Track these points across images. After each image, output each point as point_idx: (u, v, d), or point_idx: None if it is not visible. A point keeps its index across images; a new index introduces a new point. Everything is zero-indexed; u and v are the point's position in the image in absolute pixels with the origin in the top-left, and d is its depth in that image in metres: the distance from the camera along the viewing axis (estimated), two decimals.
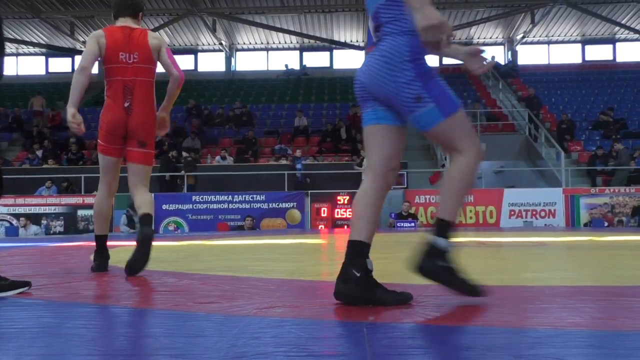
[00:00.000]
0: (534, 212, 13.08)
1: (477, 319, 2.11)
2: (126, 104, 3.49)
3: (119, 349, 1.66)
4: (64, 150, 16.63)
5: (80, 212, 13.47)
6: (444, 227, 2.32)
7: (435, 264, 2.29)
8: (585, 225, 12.94)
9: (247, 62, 25.50)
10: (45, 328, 2.02)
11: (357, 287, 2.24)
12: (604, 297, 2.62)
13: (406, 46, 2.25)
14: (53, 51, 24.67)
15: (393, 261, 4.30)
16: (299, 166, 14.37)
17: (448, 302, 2.46)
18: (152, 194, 13.44)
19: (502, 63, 23.65)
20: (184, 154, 14.86)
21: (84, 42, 23.73)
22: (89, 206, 13.45)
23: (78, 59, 25.07)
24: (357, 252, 2.32)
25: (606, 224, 12.96)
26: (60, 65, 25.74)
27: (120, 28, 3.60)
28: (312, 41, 23.88)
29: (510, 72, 22.47)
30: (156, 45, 3.60)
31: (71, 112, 3.41)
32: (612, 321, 2.07)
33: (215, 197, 13.38)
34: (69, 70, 25.64)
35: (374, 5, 2.36)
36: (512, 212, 13.06)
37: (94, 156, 16.34)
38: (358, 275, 2.25)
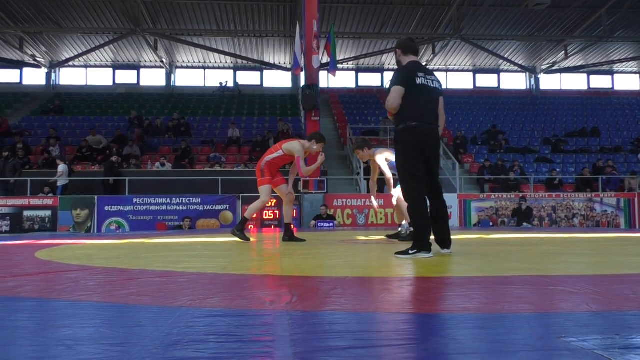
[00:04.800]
0: None
1: (386, 306, 2.15)
2: None
3: (62, 340, 1.58)
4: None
5: (26, 213, 12.74)
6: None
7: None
8: (475, 225, 13.45)
9: (186, 79, 25.01)
10: None
11: None
12: (489, 285, 2.73)
13: None
14: (2, 63, 23.29)
15: (315, 257, 4.33)
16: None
17: (360, 292, 2.50)
18: (96, 196, 12.76)
19: None
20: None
21: (32, 56, 22.54)
22: (34, 207, 12.80)
23: (26, 70, 23.89)
24: None
25: (491, 223, 13.55)
26: (9, 76, 24.32)
27: None
28: (244, 62, 23.73)
29: None
30: None
31: None
32: (494, 305, 2.17)
33: (154, 200, 13.01)
34: (17, 81, 24.30)
35: None
36: None
37: (39, 161, 15.54)
38: None
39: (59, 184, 13.86)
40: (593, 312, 1.97)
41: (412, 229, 5.89)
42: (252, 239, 6.51)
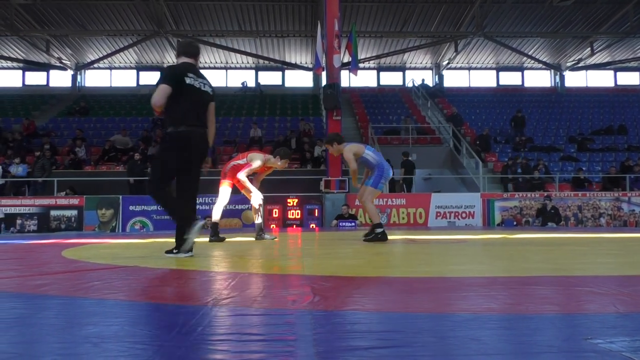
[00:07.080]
0: (457, 214, 13.35)
1: (408, 306, 2.14)
2: None
3: (88, 337, 1.61)
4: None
5: (53, 212, 12.99)
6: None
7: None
8: (499, 224, 13.29)
9: (208, 79, 25.14)
10: (17, 318, 1.93)
11: None
12: (513, 286, 2.70)
13: None
14: (29, 66, 23.83)
15: (337, 257, 4.32)
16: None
17: (382, 292, 2.49)
18: (120, 196, 12.92)
19: (431, 85, 24.19)
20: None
21: (58, 58, 22.97)
22: (61, 207, 13.04)
23: (53, 73, 24.35)
24: None
25: (515, 223, 13.37)
26: (36, 78, 24.85)
27: None
28: (266, 62, 23.83)
29: (437, 93, 23.00)
30: None
31: None
32: (518, 306, 2.14)
33: None
34: (44, 83, 24.79)
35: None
36: (438, 214, 13.31)
37: (66, 161, 15.82)
38: None
39: None
40: (620, 313, 1.93)
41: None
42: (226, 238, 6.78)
